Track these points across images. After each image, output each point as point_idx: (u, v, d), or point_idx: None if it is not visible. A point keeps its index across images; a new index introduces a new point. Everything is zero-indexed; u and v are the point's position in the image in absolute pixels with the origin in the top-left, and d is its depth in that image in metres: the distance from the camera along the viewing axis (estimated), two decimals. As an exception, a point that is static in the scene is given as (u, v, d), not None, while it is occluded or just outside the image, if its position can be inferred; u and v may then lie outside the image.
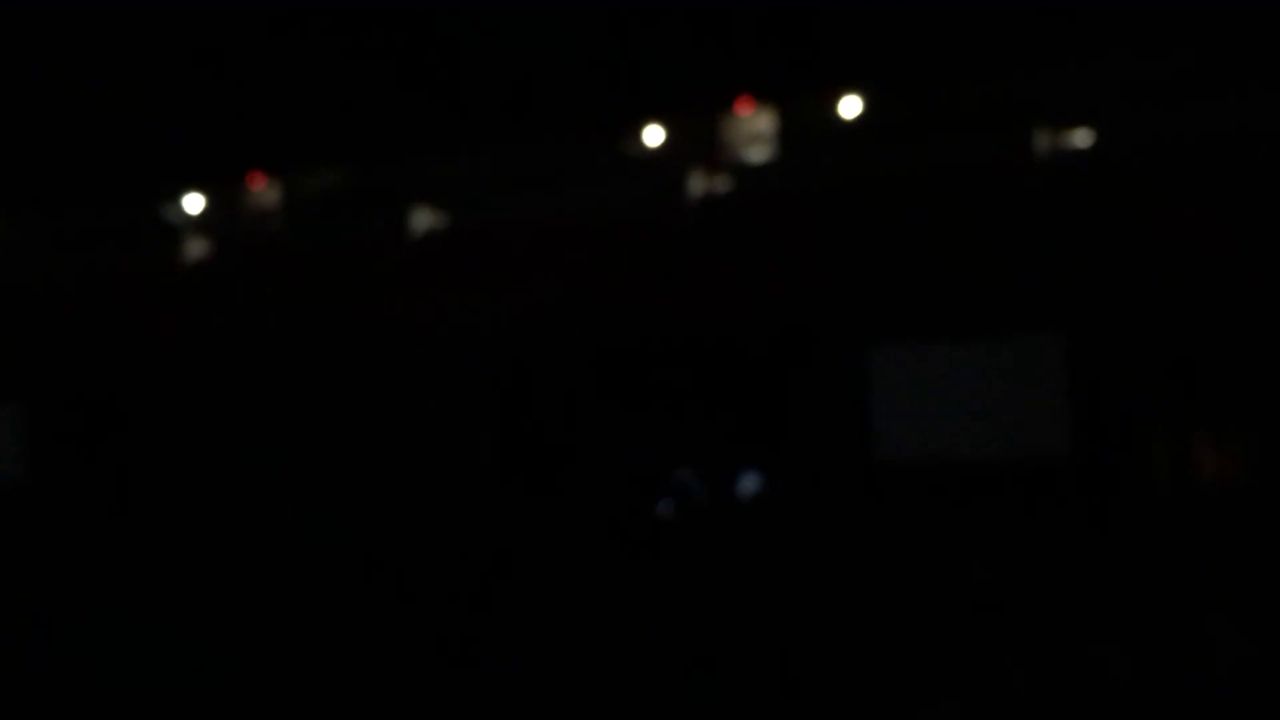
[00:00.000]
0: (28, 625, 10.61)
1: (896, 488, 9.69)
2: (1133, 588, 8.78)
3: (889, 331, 9.84)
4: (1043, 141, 9.62)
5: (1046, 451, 9.45)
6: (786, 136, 10.01)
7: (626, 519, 10.18)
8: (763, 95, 10.01)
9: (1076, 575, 8.94)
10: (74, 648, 10.31)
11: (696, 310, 10.17)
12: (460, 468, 10.49)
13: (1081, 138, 9.59)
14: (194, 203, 11.27)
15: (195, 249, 11.34)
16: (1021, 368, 9.59)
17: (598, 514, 10.15)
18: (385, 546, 10.47)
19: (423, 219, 10.78)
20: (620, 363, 10.30)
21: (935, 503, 9.55)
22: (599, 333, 10.34)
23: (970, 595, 9.05)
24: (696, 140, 10.14)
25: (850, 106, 9.87)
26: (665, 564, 9.87)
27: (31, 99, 11.08)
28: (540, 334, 10.45)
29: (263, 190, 11.11)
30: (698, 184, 10.17)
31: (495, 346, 10.54)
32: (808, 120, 9.99)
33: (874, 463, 9.81)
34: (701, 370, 10.18)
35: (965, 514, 9.45)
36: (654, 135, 10.21)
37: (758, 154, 10.04)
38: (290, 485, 10.81)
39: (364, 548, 10.47)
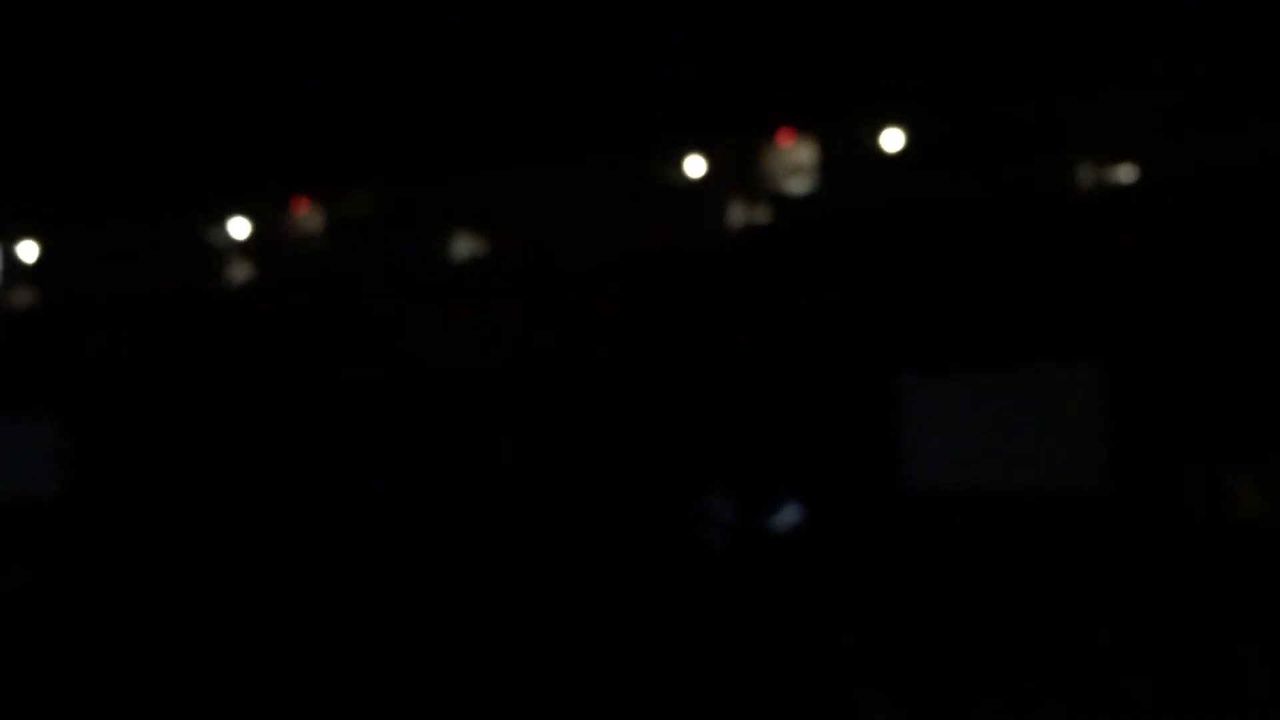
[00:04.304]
0: (62, 635, 10.73)
1: (931, 518, 9.68)
2: (1167, 620, 8.76)
3: (926, 360, 9.85)
4: (1084, 171, 9.62)
5: (1082, 482, 9.43)
6: (827, 166, 10.03)
7: (659, 543, 10.21)
8: (803, 125, 10.03)
9: (1111, 607, 8.93)
10: (107, 657, 10.42)
11: (732, 337, 10.20)
12: (495, 489, 10.54)
13: (1124, 169, 9.59)
14: (239, 226, 11.37)
15: (238, 271, 11.44)
16: (1058, 397, 9.57)
17: (632, 538, 10.19)
18: (422, 564, 10.55)
19: (463, 244, 10.85)
20: (655, 389, 10.33)
21: (970, 534, 9.54)
22: (635, 359, 10.38)
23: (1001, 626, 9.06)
24: (736, 170, 10.17)
25: (891, 137, 9.89)
26: (697, 590, 9.89)
27: (78, 121, 11.21)
28: (577, 358, 10.50)
29: (307, 215, 11.20)
30: (737, 213, 10.20)
31: (531, 369, 10.60)
32: (848, 150, 10.01)
33: (908, 492, 9.81)
34: (735, 398, 10.20)
35: (1000, 545, 9.44)
36: (695, 165, 10.25)
37: (798, 184, 10.07)
38: (328, 503, 10.90)
39: (403, 564, 10.55)
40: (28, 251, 11.99)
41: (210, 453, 11.42)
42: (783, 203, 10.12)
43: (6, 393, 12.31)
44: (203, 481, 11.37)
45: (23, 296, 12.16)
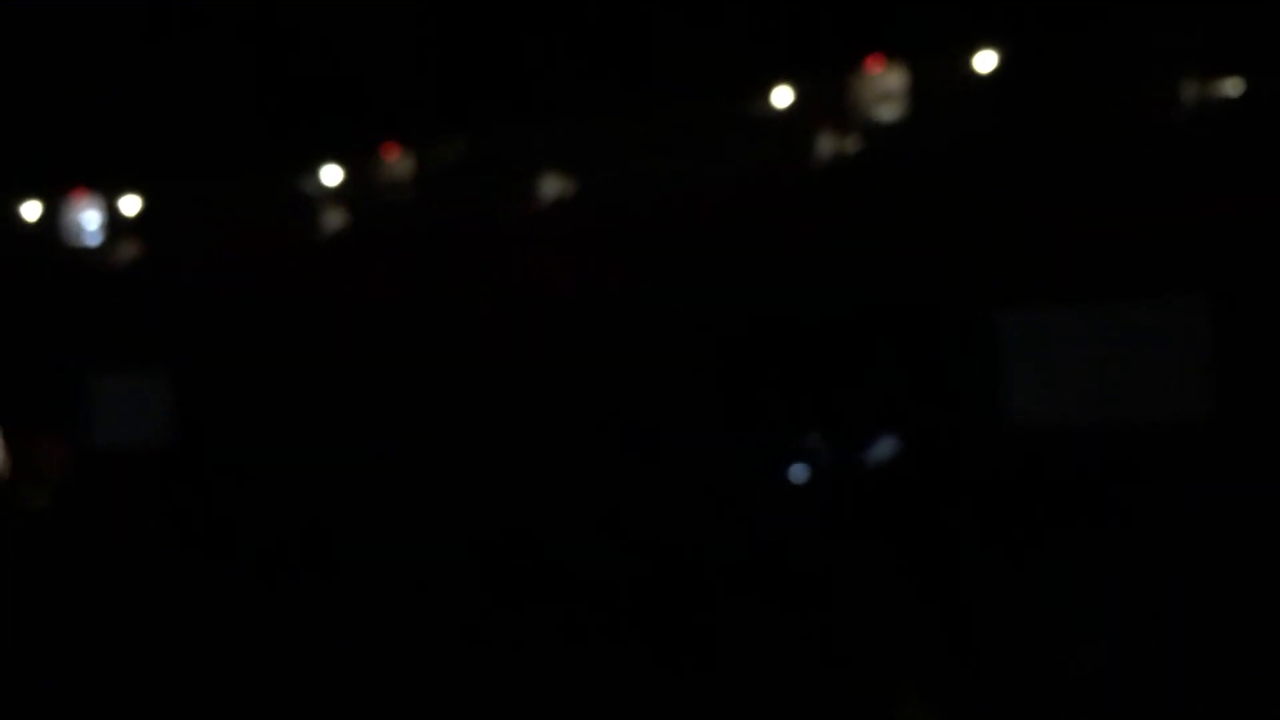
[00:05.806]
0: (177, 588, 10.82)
1: (1031, 455, 9.43)
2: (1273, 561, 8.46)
3: (1024, 294, 9.57)
4: (1187, 92, 9.25)
5: (1187, 418, 9.12)
6: (918, 94, 9.75)
7: (755, 485, 10.08)
8: (893, 52, 9.77)
9: (1216, 546, 8.64)
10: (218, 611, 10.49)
11: (826, 275, 9.99)
12: (587, 437, 10.45)
13: (1230, 87, 9.20)
14: (331, 174, 11.35)
15: (332, 219, 11.43)
16: (1162, 331, 9.26)
17: (725, 480, 10.06)
18: (518, 516, 10.50)
19: (552, 185, 10.73)
20: (749, 329, 10.17)
21: (1070, 471, 9.28)
22: (726, 299, 10.21)
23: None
24: (825, 100, 9.93)
25: (985, 61, 9.59)
26: (792, 530, 9.74)
27: (166, 76, 11.27)
28: (668, 300, 10.36)
29: (397, 160, 11.15)
30: (826, 145, 9.96)
31: (622, 312, 10.48)
32: (940, 77, 9.72)
33: (1008, 429, 9.56)
34: (831, 335, 10.01)
35: (1102, 482, 9.17)
36: (782, 96, 10.00)
37: (889, 113, 9.80)
38: (421, 453, 10.88)
39: (495, 521, 10.51)
40: (130, 206, 12.09)
41: (310, 398, 11.46)
42: (875, 133, 9.86)
43: (117, 348, 12.45)
44: (307, 427, 11.42)
45: (127, 251, 12.27)
